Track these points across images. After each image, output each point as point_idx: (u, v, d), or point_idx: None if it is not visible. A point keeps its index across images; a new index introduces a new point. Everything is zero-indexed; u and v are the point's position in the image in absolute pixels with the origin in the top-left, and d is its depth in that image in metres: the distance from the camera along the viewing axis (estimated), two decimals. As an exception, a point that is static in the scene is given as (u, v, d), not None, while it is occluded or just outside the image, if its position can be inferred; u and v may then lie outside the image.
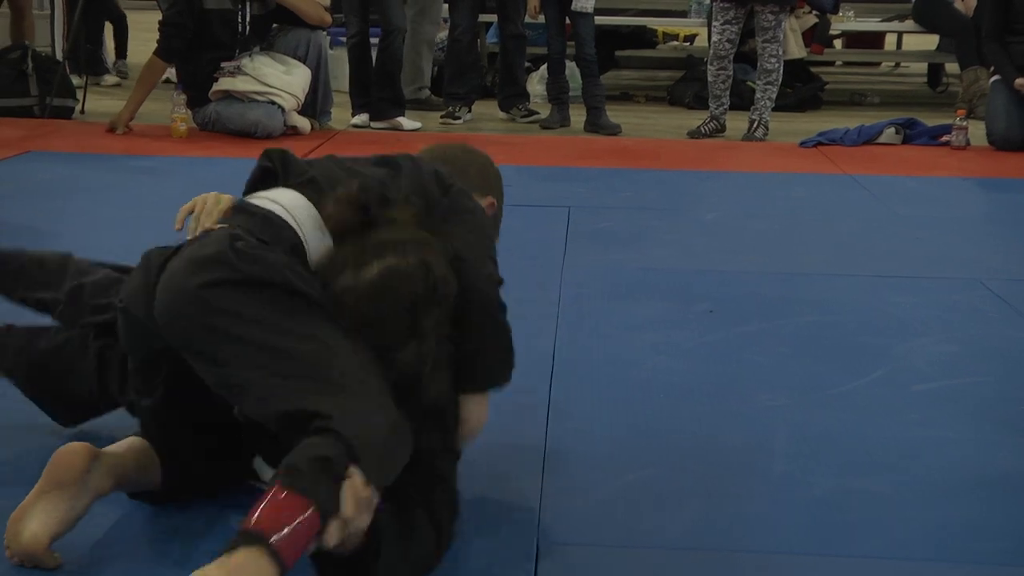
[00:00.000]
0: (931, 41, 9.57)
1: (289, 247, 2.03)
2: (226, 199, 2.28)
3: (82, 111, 7.18)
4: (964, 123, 6.74)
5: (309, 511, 1.70)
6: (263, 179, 2.23)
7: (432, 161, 2.33)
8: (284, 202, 2.10)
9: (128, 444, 2.13)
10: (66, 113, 7.06)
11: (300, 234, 2.06)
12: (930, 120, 7.14)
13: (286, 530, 1.68)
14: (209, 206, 2.27)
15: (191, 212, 2.32)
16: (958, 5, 8.16)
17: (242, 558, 1.66)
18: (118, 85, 8.38)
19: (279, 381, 1.89)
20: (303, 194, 2.11)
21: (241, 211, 2.13)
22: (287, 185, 2.16)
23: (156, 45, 6.50)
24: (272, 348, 1.91)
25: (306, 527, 1.70)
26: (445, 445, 2.08)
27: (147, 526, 2.17)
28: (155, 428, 2.15)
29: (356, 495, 1.75)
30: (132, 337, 2.12)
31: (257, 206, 2.10)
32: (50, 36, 8.08)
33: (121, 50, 9.43)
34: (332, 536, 1.73)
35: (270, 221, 2.06)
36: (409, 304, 1.97)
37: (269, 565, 1.66)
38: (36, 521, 1.93)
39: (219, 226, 2.10)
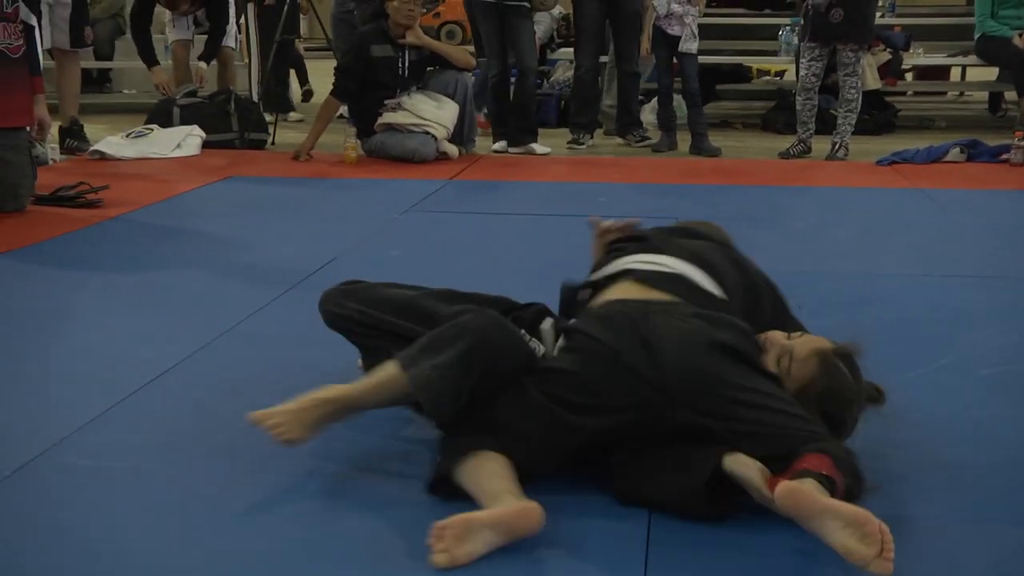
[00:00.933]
0: (991, 73, 9.29)
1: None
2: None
3: (272, 143, 7.34)
4: (1022, 143, 6.54)
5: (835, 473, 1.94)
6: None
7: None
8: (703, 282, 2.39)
9: None
10: (260, 144, 7.22)
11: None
12: (991, 141, 6.93)
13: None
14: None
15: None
16: (1016, 41, 7.91)
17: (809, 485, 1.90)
18: (301, 120, 8.55)
19: (785, 425, 2.07)
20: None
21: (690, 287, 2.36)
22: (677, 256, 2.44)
23: (332, 87, 6.63)
24: (775, 409, 2.09)
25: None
26: None
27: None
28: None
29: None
30: (613, 381, 2.10)
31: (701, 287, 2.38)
32: (248, 82, 8.28)
33: (302, 80, 9.67)
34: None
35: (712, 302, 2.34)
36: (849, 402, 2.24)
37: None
38: (479, 543, 1.90)
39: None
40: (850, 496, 1.96)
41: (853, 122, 6.96)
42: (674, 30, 7.05)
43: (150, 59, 7.54)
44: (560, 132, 7.81)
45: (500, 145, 7.16)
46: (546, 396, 2.12)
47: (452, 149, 6.63)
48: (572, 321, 2.34)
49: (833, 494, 1.90)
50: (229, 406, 2.64)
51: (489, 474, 2.06)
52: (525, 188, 5.85)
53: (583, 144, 7.38)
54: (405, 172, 6.19)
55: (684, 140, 7.30)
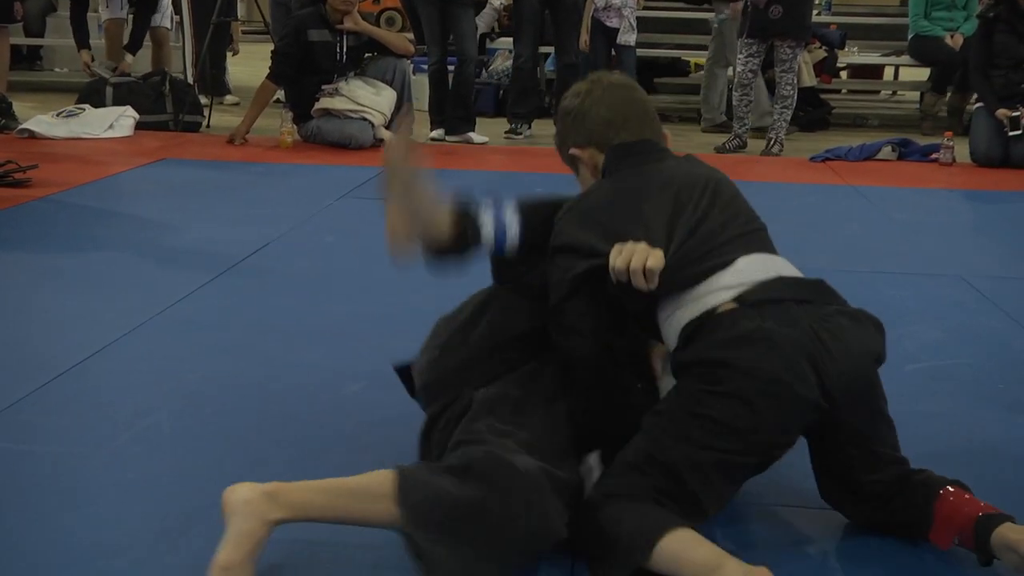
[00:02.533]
0: (923, 73, 9.44)
1: None
2: None
3: (207, 125, 7.24)
4: (951, 143, 6.65)
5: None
6: None
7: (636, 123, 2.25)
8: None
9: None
10: (195, 127, 7.12)
11: None
12: (922, 140, 7.05)
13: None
14: None
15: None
16: (948, 41, 8.06)
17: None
18: (237, 104, 8.44)
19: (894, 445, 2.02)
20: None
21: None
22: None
23: (268, 70, 6.55)
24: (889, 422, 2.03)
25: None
26: None
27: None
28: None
29: None
30: (782, 416, 1.87)
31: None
32: (182, 63, 8.16)
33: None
34: None
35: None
36: None
37: None
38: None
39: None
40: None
41: (788, 118, 7.03)
42: (612, 22, 7.06)
43: (83, 40, 7.43)
44: (498, 121, 7.80)
45: (438, 133, 7.13)
46: (709, 450, 1.85)
47: (389, 136, 6.58)
48: (710, 351, 1.89)
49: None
50: (156, 391, 2.59)
51: (692, 544, 1.78)
52: (462, 177, 5.82)
53: (521, 134, 7.37)
54: (341, 158, 6.14)
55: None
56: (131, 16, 7.81)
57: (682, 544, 1.76)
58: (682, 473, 1.84)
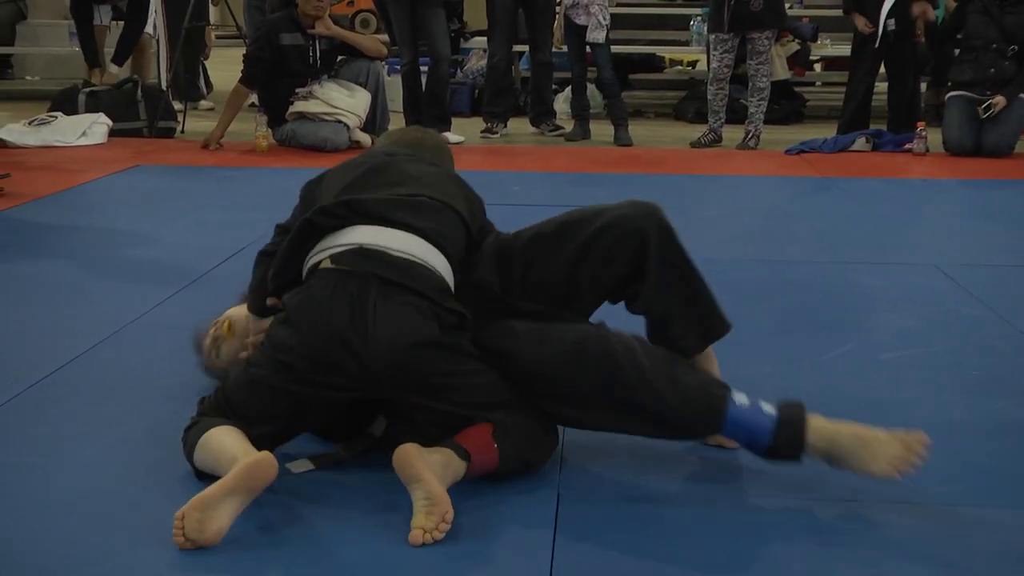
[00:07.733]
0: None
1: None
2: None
3: (182, 131, 7.21)
4: (924, 133, 6.69)
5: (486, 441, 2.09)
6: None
7: (399, 144, 2.65)
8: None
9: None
10: (169, 133, 7.09)
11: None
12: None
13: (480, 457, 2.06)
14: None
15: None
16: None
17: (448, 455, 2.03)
18: (211, 109, 8.41)
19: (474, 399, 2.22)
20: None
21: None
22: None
23: (240, 74, 6.53)
24: (480, 384, 2.21)
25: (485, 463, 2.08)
26: None
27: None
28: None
29: None
30: (332, 361, 2.14)
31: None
32: (156, 69, 8.13)
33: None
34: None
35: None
36: None
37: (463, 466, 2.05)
38: (224, 517, 1.89)
39: None
40: (524, 465, 2.13)
41: (764, 109, 7.04)
42: (581, 19, 7.05)
43: (91, 57, 7.38)
44: (474, 121, 7.80)
45: (413, 134, 7.11)
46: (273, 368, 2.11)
47: (365, 138, 6.58)
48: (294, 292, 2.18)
49: (470, 461, 2.05)
50: (131, 398, 2.59)
51: (221, 444, 2.06)
52: (438, 177, 5.82)
53: (497, 133, 7.37)
54: (317, 161, 6.11)
55: (597, 129, 7.32)
56: (114, 23, 7.74)
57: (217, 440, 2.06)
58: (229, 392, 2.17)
